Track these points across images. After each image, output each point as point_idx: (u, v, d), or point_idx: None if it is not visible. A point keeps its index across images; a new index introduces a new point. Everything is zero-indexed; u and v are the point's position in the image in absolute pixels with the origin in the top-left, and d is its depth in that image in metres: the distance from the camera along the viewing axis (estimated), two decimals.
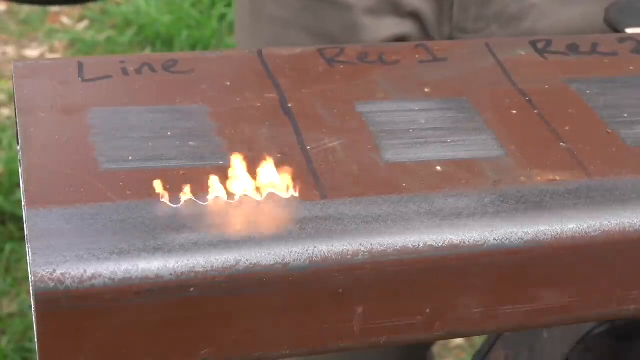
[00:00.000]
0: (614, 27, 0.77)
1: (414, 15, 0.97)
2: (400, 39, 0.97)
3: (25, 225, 0.51)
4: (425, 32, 0.98)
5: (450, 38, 0.98)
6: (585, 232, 0.54)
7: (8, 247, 1.92)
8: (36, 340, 0.49)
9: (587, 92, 0.65)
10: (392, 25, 0.97)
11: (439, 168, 0.57)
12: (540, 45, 0.70)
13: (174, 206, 0.52)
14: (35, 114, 0.58)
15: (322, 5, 0.98)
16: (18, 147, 0.57)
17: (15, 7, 2.73)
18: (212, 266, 0.49)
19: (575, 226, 0.54)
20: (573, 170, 0.57)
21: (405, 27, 0.97)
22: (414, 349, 1.19)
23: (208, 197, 0.53)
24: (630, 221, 0.55)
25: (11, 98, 2.25)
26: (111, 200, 0.52)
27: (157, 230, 0.50)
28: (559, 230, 0.54)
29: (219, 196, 0.53)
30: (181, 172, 0.54)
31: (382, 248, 0.51)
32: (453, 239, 0.52)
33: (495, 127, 0.60)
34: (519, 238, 0.53)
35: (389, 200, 0.54)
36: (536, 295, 0.54)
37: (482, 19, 0.96)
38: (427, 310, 0.53)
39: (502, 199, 0.55)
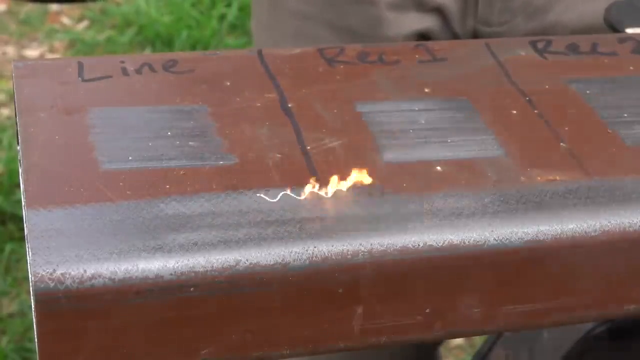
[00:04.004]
0: (614, 27, 0.77)
1: (438, 10, 0.97)
2: (424, 33, 0.97)
3: (25, 225, 0.51)
4: (449, 27, 0.98)
5: (474, 32, 0.98)
6: (585, 232, 0.54)
7: (8, 247, 1.92)
8: (36, 340, 0.49)
9: (587, 92, 0.65)
10: (416, 20, 0.97)
11: (439, 168, 0.57)
12: (540, 45, 0.70)
13: (179, 205, 0.52)
14: (35, 114, 0.58)
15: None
16: (18, 147, 0.57)
17: (15, 7, 2.73)
18: (212, 266, 0.49)
19: (575, 226, 0.54)
20: (573, 170, 0.57)
21: (428, 21, 0.97)
22: (422, 349, 1.19)
23: (213, 196, 0.53)
24: (630, 221, 0.55)
25: (11, 98, 2.25)
26: (111, 200, 0.52)
27: (157, 230, 0.50)
28: (559, 230, 0.54)
29: (222, 194, 0.53)
30: (181, 172, 0.54)
31: (382, 248, 0.51)
32: (453, 239, 0.52)
33: (495, 127, 0.60)
34: (519, 238, 0.53)
35: (389, 200, 0.54)
36: (536, 295, 0.55)
37: (507, 11, 0.96)
38: (427, 310, 0.53)
39: (502, 199, 0.55)
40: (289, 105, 0.61)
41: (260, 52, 0.66)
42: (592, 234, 0.54)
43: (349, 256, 0.51)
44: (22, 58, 2.50)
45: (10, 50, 2.60)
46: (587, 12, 0.97)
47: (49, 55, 2.58)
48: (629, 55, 0.70)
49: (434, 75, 0.66)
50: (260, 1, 1.06)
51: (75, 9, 2.76)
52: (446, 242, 0.52)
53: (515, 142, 0.59)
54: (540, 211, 0.54)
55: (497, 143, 0.59)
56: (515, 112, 0.62)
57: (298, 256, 0.50)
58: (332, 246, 0.51)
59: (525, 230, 0.53)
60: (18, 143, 0.57)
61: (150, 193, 0.52)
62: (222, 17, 2.66)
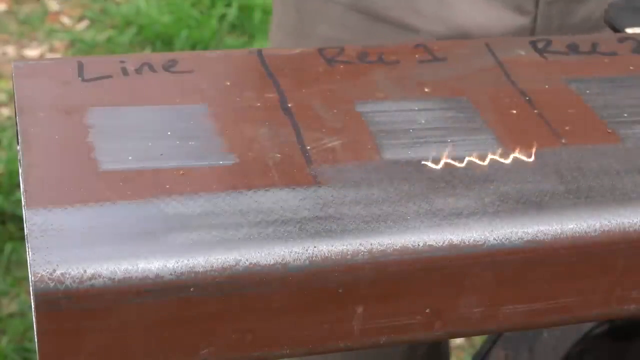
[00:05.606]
0: (614, 27, 0.77)
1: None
2: None
3: (25, 225, 0.51)
4: None
5: None
6: (585, 232, 0.54)
7: (8, 247, 1.92)
8: (36, 340, 0.49)
9: (587, 92, 0.65)
10: None
11: (438, 168, 0.57)
12: (540, 45, 0.70)
13: (177, 205, 0.52)
14: (35, 114, 0.58)
15: (385, 28, 0.95)
16: (18, 147, 0.57)
17: (15, 7, 2.73)
18: (212, 266, 0.49)
19: (575, 226, 0.54)
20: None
21: None
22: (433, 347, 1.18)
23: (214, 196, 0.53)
24: (630, 221, 0.55)
25: (11, 98, 2.25)
26: (111, 200, 0.52)
27: (157, 230, 0.50)
28: (559, 230, 0.54)
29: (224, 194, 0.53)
30: (181, 172, 0.54)
31: (382, 248, 0.51)
32: (453, 239, 0.52)
33: (495, 127, 0.60)
34: (519, 238, 0.53)
35: (388, 200, 0.54)
36: (536, 295, 0.55)
37: (566, 28, 0.94)
38: (427, 310, 0.53)
39: (502, 199, 0.55)
40: (289, 105, 0.61)
41: (260, 52, 0.66)
42: (592, 234, 0.54)
43: (349, 256, 0.51)
44: (22, 58, 2.50)
45: (10, 50, 2.60)
46: None
47: (49, 55, 2.58)
48: (629, 55, 0.70)
49: (434, 75, 0.66)
50: (284, 24, 1.01)
51: (75, 9, 2.76)
52: (446, 242, 0.52)
53: (515, 142, 0.59)
54: (540, 211, 0.54)
55: (497, 143, 0.59)
56: (515, 112, 0.62)
57: (298, 256, 0.50)
58: (332, 246, 0.51)
59: (525, 230, 0.53)
60: (18, 143, 0.57)
61: (150, 193, 0.52)
62: (222, 17, 2.66)
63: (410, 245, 0.52)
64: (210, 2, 2.71)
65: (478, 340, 1.67)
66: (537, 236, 0.53)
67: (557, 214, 0.54)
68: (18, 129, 0.57)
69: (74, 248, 0.49)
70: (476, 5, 0.93)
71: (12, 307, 1.84)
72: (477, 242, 0.52)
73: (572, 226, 0.54)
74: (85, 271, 0.48)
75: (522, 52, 0.69)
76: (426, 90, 0.64)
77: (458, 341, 1.81)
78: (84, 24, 2.71)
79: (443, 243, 0.52)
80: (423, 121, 0.61)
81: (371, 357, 1.09)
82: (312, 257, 0.50)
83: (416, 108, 0.62)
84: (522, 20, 0.94)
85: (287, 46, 1.01)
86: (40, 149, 0.55)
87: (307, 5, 0.99)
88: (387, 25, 0.95)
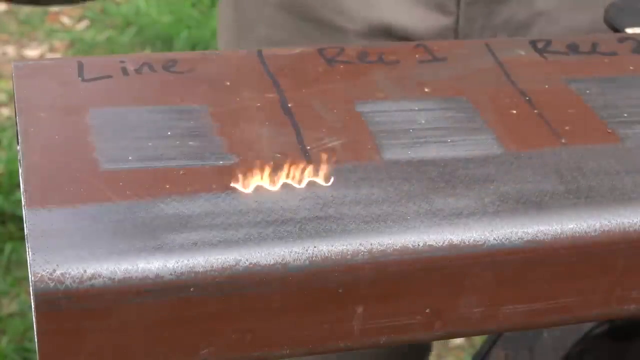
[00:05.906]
0: (614, 27, 0.77)
1: (407, 39, 0.96)
2: None
3: (25, 225, 0.51)
4: None
5: None
6: (585, 232, 0.54)
7: (8, 247, 1.92)
8: (36, 340, 0.49)
9: (587, 92, 0.65)
10: None
11: (438, 168, 0.57)
12: (540, 45, 0.70)
13: (178, 205, 0.52)
14: (35, 114, 0.58)
15: (315, 27, 0.96)
16: (18, 147, 0.57)
17: (15, 7, 2.73)
18: (212, 266, 0.49)
19: (575, 226, 0.54)
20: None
21: None
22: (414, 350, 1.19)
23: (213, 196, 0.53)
24: (630, 221, 0.55)
25: (11, 98, 2.25)
26: (111, 200, 0.52)
27: (157, 230, 0.50)
28: (559, 230, 0.54)
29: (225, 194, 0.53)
30: (181, 172, 0.54)
31: (382, 248, 0.51)
32: (453, 239, 0.52)
33: (495, 127, 0.61)
34: (519, 238, 0.53)
35: (388, 200, 0.54)
36: (536, 295, 0.55)
37: (489, 29, 0.95)
38: (427, 310, 0.53)
39: (502, 199, 0.55)
40: (289, 105, 0.61)
41: (260, 52, 0.66)
42: (592, 234, 0.54)
43: (349, 256, 0.51)
44: (22, 58, 2.50)
45: (10, 50, 2.60)
46: (571, 26, 0.96)
47: (49, 55, 2.58)
48: (629, 55, 0.70)
49: (434, 75, 0.66)
50: (226, 27, 1.04)
51: (75, 9, 2.76)
52: (446, 242, 0.52)
53: (515, 142, 0.59)
54: (540, 211, 0.54)
55: (497, 143, 0.59)
56: (515, 112, 0.62)
57: (298, 256, 0.50)
58: (332, 246, 0.51)
59: (525, 230, 0.53)
60: (18, 143, 0.57)
61: (150, 193, 0.52)
62: None
63: (410, 245, 0.52)
64: (210, 2, 2.71)
65: (478, 340, 1.67)
66: (537, 236, 0.53)
67: (557, 214, 0.54)
68: (18, 129, 0.57)
69: (74, 248, 0.49)
70: (399, 6, 0.94)
71: (12, 307, 1.84)
72: (477, 242, 0.52)
73: (572, 226, 0.54)
74: (85, 271, 0.48)
75: (522, 52, 0.69)
76: (426, 90, 0.64)
77: (458, 341, 1.81)
78: (84, 24, 2.71)
79: (443, 243, 0.52)
80: (423, 121, 0.61)
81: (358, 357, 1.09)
82: (312, 257, 0.50)
83: (416, 108, 0.62)
84: (446, 21, 0.94)
85: (230, 47, 1.03)
86: (40, 149, 0.55)
87: (244, 5, 1.00)
88: (316, 24, 0.96)
